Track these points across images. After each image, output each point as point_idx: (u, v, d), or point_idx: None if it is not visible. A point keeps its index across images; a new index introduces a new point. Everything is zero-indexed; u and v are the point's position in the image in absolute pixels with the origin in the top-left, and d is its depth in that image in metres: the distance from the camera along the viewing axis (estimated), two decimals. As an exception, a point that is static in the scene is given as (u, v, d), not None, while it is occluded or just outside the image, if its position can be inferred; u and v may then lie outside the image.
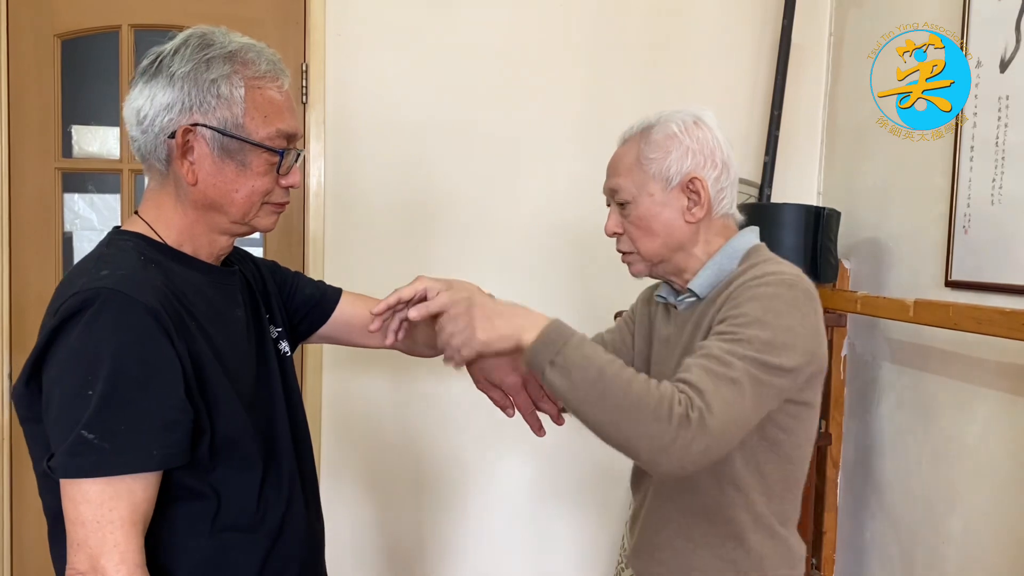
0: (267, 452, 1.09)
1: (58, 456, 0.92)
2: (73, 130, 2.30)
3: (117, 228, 1.12)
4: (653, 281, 1.37)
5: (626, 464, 1.19)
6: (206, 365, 1.01)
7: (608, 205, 1.30)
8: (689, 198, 1.21)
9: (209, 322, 1.05)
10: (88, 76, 2.35)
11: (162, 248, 1.06)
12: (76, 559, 0.92)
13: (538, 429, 1.34)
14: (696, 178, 1.20)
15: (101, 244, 1.08)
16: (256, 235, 2.36)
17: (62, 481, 0.93)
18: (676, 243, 1.23)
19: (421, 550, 2.41)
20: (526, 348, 1.05)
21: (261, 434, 1.08)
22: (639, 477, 1.35)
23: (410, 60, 2.28)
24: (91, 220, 2.72)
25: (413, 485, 2.39)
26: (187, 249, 1.09)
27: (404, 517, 2.39)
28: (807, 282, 1.15)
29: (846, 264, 2.20)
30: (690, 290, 1.24)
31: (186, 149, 1.03)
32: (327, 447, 2.33)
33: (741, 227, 1.28)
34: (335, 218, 2.28)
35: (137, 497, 0.93)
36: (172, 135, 1.02)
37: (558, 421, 1.34)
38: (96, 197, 2.79)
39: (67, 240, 2.29)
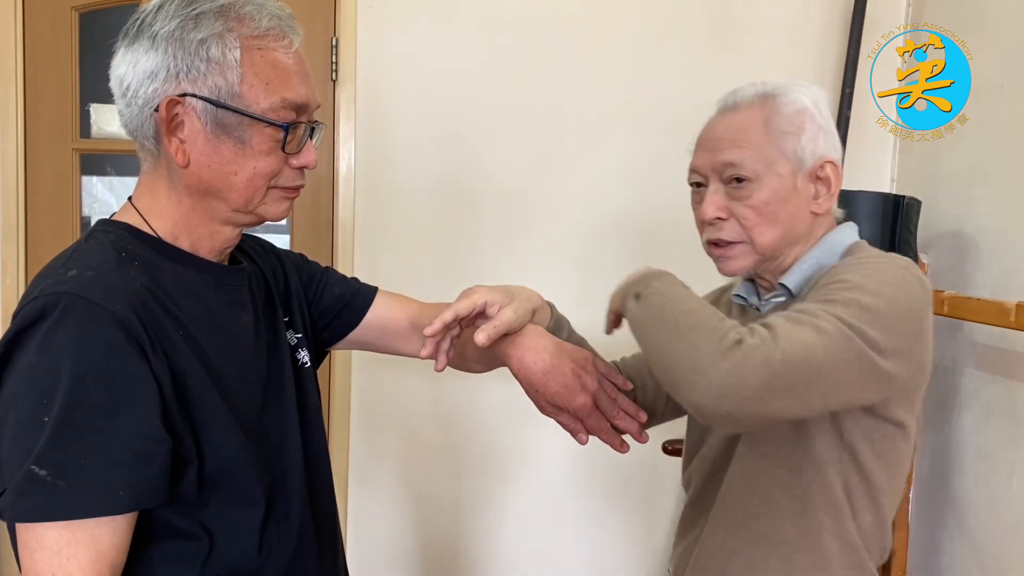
0: (274, 484, 0.94)
1: (7, 494, 0.77)
2: (92, 108, 2.19)
3: (105, 218, 0.97)
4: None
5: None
6: (194, 383, 0.86)
7: (695, 185, 1.10)
8: (817, 186, 1.06)
9: (203, 331, 0.90)
10: (107, 51, 2.24)
11: (152, 242, 0.92)
12: None
13: (620, 445, 1.14)
14: (831, 162, 1.05)
15: (81, 237, 0.93)
16: (282, 222, 2.26)
17: (16, 524, 0.79)
18: (795, 236, 1.07)
19: (455, 552, 2.30)
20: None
21: (266, 463, 0.93)
22: (692, 518, 1.19)
23: (447, 34, 2.16)
24: (110, 204, 2.62)
25: (448, 487, 2.28)
26: (184, 243, 0.94)
27: (438, 521, 2.29)
28: (923, 275, 1.01)
29: (923, 259, 2.01)
30: (782, 285, 1.08)
31: (174, 124, 0.88)
32: (356, 447, 2.24)
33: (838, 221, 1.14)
34: (366, 204, 2.18)
35: (103, 544, 0.79)
36: (158, 108, 0.87)
37: (640, 438, 1.14)
38: (116, 180, 2.70)
39: (86, 225, 2.20)
